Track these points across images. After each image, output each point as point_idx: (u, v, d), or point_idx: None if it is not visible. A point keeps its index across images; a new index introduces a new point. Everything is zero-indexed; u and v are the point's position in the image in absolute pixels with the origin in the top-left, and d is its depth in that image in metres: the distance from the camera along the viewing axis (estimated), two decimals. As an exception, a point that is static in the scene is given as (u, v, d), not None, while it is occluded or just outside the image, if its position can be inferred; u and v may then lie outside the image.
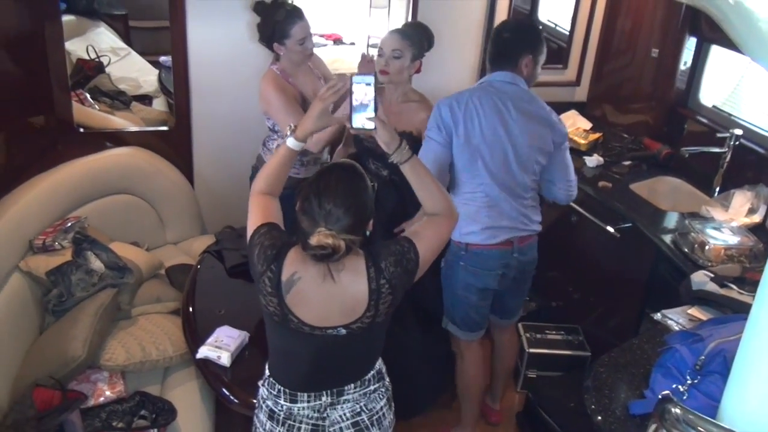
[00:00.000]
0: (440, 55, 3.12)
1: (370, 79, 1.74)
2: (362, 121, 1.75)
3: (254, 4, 2.82)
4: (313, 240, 1.58)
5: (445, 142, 2.46)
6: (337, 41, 4.92)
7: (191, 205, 3.48)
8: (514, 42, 2.52)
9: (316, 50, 2.96)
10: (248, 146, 3.14)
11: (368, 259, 1.69)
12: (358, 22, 4.52)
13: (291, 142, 1.86)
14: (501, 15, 3.65)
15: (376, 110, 1.75)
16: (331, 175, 1.67)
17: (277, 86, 2.77)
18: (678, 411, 1.38)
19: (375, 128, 1.75)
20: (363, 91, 1.73)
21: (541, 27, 2.69)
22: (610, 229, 2.95)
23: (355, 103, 1.74)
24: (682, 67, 3.39)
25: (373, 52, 3.84)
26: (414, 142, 2.77)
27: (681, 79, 3.42)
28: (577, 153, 3.47)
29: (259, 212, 1.80)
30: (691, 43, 3.34)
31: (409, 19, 3.45)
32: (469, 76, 3.81)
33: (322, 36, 4.79)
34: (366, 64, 2.92)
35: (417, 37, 2.72)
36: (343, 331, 1.69)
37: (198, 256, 3.00)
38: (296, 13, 2.75)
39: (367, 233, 1.70)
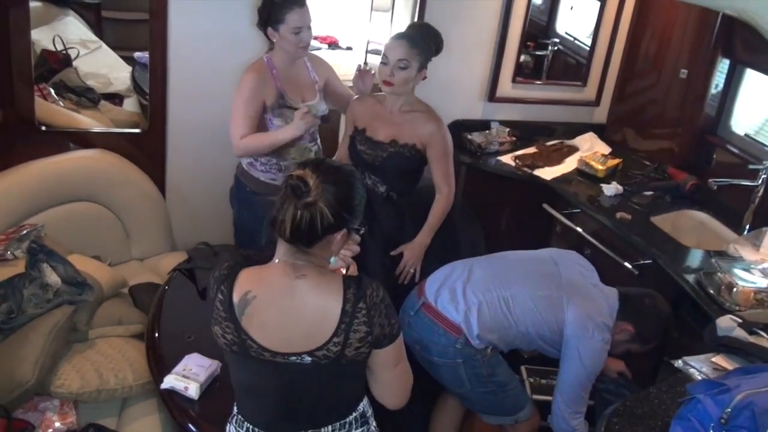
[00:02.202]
0: (447, 64, 3.16)
1: None
2: None
3: None
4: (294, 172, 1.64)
5: None
6: (333, 45, 4.95)
7: (161, 218, 3.48)
8: (634, 301, 2.52)
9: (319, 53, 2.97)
10: (229, 154, 3.12)
11: (349, 280, 1.71)
12: (357, 25, 4.56)
13: None
14: (516, 22, 3.72)
15: None
16: (337, 164, 1.74)
17: (254, 75, 2.82)
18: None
19: None
20: None
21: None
22: (628, 265, 2.97)
23: None
24: (712, 90, 3.44)
25: (373, 59, 3.90)
26: (417, 154, 2.79)
27: (711, 104, 3.47)
28: (594, 180, 3.52)
29: None
30: (723, 66, 3.40)
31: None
32: (478, 86, 3.85)
33: (315, 38, 4.83)
34: (362, 76, 2.95)
35: (425, 44, 2.72)
36: (308, 360, 1.70)
37: (167, 274, 3.00)
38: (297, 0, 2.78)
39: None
